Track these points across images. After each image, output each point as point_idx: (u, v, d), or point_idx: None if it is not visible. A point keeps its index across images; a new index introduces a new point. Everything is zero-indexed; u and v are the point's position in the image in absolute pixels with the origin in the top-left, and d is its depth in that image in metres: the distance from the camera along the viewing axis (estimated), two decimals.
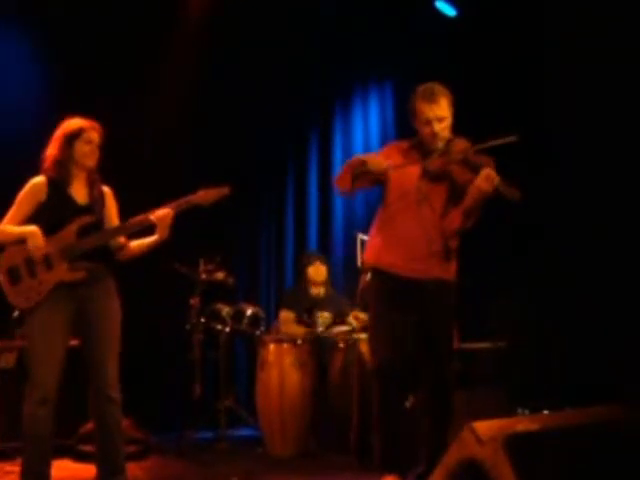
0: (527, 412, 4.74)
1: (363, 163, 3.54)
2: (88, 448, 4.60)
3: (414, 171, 3.65)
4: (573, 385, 5.02)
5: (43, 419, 3.53)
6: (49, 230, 3.62)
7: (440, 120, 3.61)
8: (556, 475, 2.38)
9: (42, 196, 3.68)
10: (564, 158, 5.35)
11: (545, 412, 4.32)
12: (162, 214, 3.70)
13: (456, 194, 3.61)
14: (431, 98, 3.61)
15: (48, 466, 3.61)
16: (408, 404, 4.23)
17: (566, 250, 5.34)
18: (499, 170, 3.45)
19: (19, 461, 3.68)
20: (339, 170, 3.75)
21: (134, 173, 5.64)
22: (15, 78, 5.91)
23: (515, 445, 2.37)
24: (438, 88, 3.64)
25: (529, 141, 4.68)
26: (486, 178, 3.38)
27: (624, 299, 4.88)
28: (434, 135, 3.61)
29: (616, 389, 4.52)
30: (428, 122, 3.61)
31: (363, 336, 4.99)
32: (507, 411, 4.53)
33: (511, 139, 3.37)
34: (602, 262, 5.02)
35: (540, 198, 5.09)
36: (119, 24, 6.05)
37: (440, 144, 3.60)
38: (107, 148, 3.84)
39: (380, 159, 3.60)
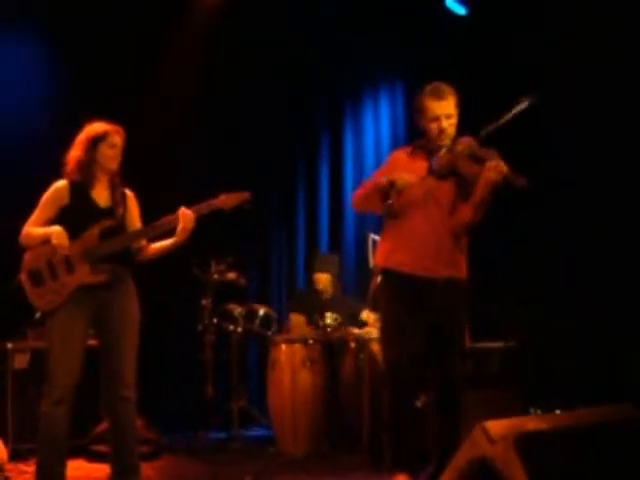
0: (539, 412, 4.73)
1: (391, 184, 3.54)
2: (102, 448, 4.63)
3: (422, 172, 3.66)
4: (585, 384, 5.02)
5: (59, 419, 3.56)
6: (72, 233, 3.63)
7: (448, 117, 3.64)
8: (567, 474, 2.38)
9: (65, 200, 3.72)
10: (567, 159, 5.34)
11: (557, 412, 4.32)
12: (186, 214, 3.69)
13: (464, 190, 3.62)
14: (440, 95, 3.65)
15: (64, 466, 3.63)
16: (420, 404, 4.23)
17: (571, 249, 5.34)
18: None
19: (33, 461, 3.71)
20: (357, 191, 3.79)
21: (140, 175, 5.61)
22: (16, 79, 5.93)
23: (526, 444, 2.37)
24: (445, 86, 3.69)
25: (531, 140, 4.69)
26: (494, 168, 3.40)
27: (629, 297, 4.88)
28: (442, 131, 3.64)
29: (625, 388, 4.52)
30: (436, 119, 3.64)
31: (374, 335, 5.00)
32: (519, 411, 4.52)
33: (520, 107, 3.43)
34: (607, 261, 5.02)
35: (543, 199, 5.10)
36: (121, 25, 6.07)
37: (447, 141, 3.63)
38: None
39: (407, 175, 3.57)
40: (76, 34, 6.02)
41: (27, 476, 4.38)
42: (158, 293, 6.05)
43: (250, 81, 6.62)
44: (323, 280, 5.88)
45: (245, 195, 3.79)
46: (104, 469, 3.94)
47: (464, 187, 3.61)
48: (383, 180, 3.59)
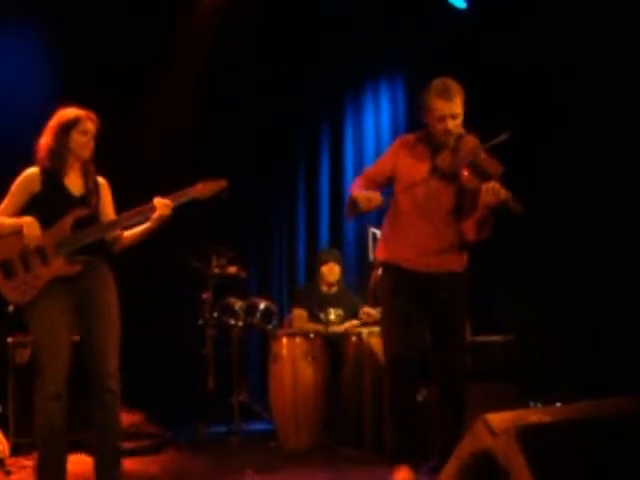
0: (539, 405, 4.73)
1: (354, 202, 3.54)
2: None
3: (423, 168, 3.65)
4: (585, 377, 5.03)
5: (57, 413, 3.51)
6: (44, 222, 3.55)
7: (454, 117, 3.58)
8: (569, 467, 2.38)
9: (36, 187, 3.62)
10: (570, 159, 5.34)
11: (557, 405, 4.32)
12: (163, 201, 3.62)
13: (465, 193, 3.61)
14: (446, 95, 3.56)
15: (64, 460, 3.60)
16: (421, 397, 4.24)
17: (571, 243, 5.36)
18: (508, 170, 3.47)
19: (34, 455, 3.69)
20: (355, 181, 3.78)
21: (138, 172, 5.59)
22: (17, 76, 5.92)
23: (528, 437, 2.37)
24: (453, 84, 3.60)
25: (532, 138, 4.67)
26: (492, 192, 3.35)
27: (628, 291, 4.89)
28: (447, 131, 3.58)
29: (624, 381, 4.53)
30: (442, 118, 3.57)
31: (375, 329, 5.00)
32: (518, 405, 4.53)
33: (505, 136, 3.39)
34: (607, 256, 5.03)
35: (544, 196, 5.11)
36: (124, 24, 6.07)
37: (451, 140, 3.59)
38: (116, 147, 3.81)
39: (370, 196, 3.54)
40: (80, 35, 6.01)
41: (28, 470, 4.38)
42: (159, 287, 6.08)
43: (250, 78, 6.61)
44: (336, 271, 5.81)
45: (221, 183, 3.70)
46: None
47: (464, 192, 3.60)
48: (351, 196, 3.59)
